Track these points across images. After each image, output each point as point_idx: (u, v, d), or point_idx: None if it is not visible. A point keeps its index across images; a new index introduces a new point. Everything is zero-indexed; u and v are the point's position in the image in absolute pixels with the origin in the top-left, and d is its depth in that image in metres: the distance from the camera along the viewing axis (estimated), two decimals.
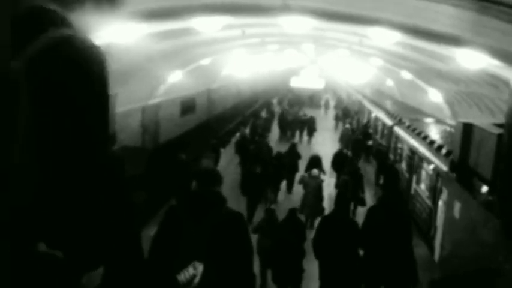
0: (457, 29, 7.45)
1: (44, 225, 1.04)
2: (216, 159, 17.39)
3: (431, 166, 12.14)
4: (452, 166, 9.31)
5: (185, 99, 19.42)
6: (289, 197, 15.34)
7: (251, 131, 23.51)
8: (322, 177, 13.82)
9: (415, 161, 14.24)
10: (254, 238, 8.08)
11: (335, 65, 36.34)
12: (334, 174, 16.62)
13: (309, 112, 30.76)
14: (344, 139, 22.89)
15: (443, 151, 11.46)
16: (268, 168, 14.14)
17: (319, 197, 12.78)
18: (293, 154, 16.39)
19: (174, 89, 16.86)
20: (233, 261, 3.37)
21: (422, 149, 13.44)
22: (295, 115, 29.11)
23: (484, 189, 7.83)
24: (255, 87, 38.51)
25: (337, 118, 33.34)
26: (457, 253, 8.52)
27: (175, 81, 16.20)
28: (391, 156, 18.52)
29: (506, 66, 7.87)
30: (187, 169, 13.53)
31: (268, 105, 36.70)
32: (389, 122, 20.34)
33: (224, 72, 23.87)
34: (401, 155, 16.95)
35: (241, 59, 22.00)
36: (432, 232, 11.19)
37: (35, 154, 1.00)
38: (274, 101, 43.56)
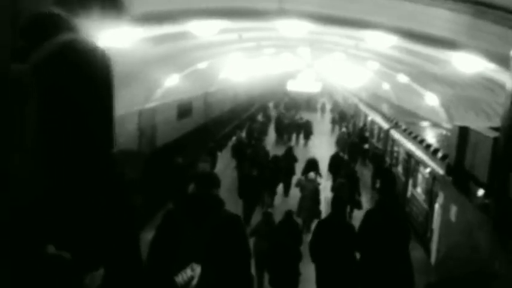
0: (453, 33, 7.49)
1: (51, 227, 1.05)
2: (213, 163, 17.38)
3: (428, 169, 12.17)
4: (449, 169, 9.34)
5: (182, 103, 19.41)
6: (286, 200, 15.34)
7: (248, 135, 23.53)
8: (319, 180, 13.84)
9: (412, 164, 14.27)
10: (251, 241, 8.08)
11: (331, 69, 36.40)
12: (330, 177, 16.64)
13: (305, 116, 30.81)
14: (341, 143, 22.93)
15: (439, 154, 11.50)
16: (265, 171, 14.15)
17: (316, 200, 12.79)
18: (290, 157, 16.42)
19: (171, 93, 16.85)
20: (231, 264, 3.39)
21: (419, 153, 13.48)
22: (291, 119, 29.15)
23: (480, 192, 7.84)
24: (252, 91, 38.51)
25: (333, 122, 33.39)
26: (453, 256, 8.53)
27: (172, 84, 16.19)
28: (388, 159, 18.56)
29: (502, 70, 7.91)
30: (183, 173, 13.53)
31: (264, 109, 36.71)
32: (385, 125, 20.39)
33: (221, 76, 23.88)
34: (397, 158, 16.99)
35: (238, 63, 22.03)
36: (428, 235, 11.22)
37: (43, 158, 1.01)
38: (271, 104, 43.57)
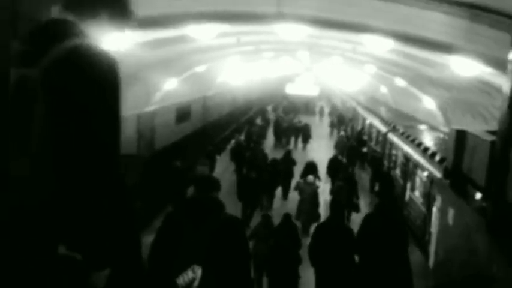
0: (450, 37, 7.53)
1: (61, 228, 1.08)
2: (212, 166, 17.39)
3: (425, 173, 12.21)
4: (446, 173, 9.36)
5: (181, 106, 19.42)
6: (285, 204, 15.35)
7: (246, 138, 23.54)
8: (318, 183, 13.85)
9: (409, 167, 14.30)
10: (250, 244, 8.09)
11: (330, 72, 36.45)
12: (329, 181, 16.65)
13: (303, 119, 30.82)
14: (339, 146, 22.96)
15: (437, 158, 11.53)
16: (264, 174, 14.17)
17: (315, 203, 12.81)
18: (288, 161, 16.44)
19: (169, 96, 16.87)
20: (232, 266, 3.40)
21: (417, 156, 13.51)
22: (290, 122, 29.17)
23: (478, 195, 7.87)
24: (250, 95, 38.52)
25: (332, 125, 33.40)
26: (451, 259, 8.55)
27: (171, 88, 16.21)
28: (386, 163, 18.58)
29: (499, 74, 7.95)
30: (182, 176, 13.54)
31: (263, 112, 36.72)
32: (383, 128, 20.41)
33: (219, 80, 23.90)
34: (395, 161, 17.01)
35: (236, 67, 22.06)
36: (426, 238, 11.24)
37: (49, 161, 1.04)
38: (269, 108, 43.59)
